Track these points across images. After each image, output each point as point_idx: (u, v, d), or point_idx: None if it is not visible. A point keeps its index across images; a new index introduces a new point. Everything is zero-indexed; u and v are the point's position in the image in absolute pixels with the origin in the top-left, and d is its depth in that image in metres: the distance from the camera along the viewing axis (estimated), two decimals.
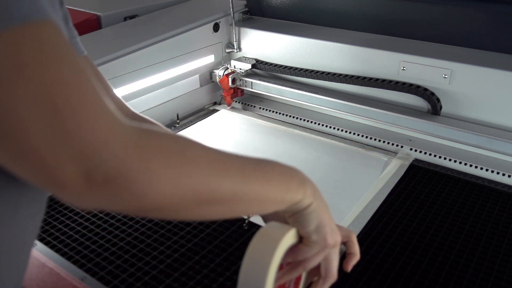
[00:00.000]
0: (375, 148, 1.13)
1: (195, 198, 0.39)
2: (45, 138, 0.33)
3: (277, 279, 0.55)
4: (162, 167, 0.37)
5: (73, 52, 0.35)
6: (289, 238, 0.52)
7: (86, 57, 0.61)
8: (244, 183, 0.43)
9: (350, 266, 0.70)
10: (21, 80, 0.32)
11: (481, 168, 1.02)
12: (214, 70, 1.35)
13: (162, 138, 0.38)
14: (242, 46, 1.38)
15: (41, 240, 0.80)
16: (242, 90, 1.38)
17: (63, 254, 0.77)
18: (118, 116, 0.36)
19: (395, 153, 1.10)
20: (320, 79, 1.22)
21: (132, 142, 0.36)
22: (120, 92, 1.07)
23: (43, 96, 0.32)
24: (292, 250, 0.54)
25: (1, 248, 0.43)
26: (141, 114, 0.71)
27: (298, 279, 0.59)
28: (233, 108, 1.36)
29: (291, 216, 0.52)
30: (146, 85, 1.18)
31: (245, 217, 0.77)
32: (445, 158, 1.06)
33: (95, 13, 1.35)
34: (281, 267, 0.59)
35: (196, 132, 1.22)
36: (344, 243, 0.72)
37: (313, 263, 0.55)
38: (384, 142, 1.14)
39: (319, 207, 0.53)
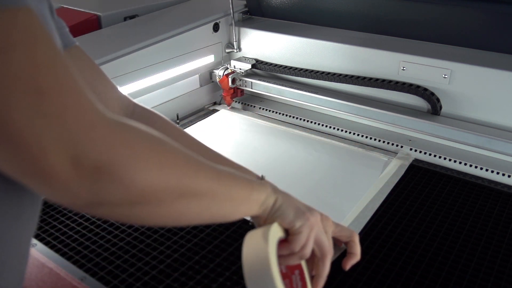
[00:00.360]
0: (375, 148, 1.13)
1: (177, 189, 0.40)
2: (29, 123, 0.32)
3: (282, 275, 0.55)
4: (147, 154, 0.37)
5: (54, 41, 0.35)
6: (275, 232, 0.53)
7: (77, 47, 0.61)
8: (217, 179, 0.45)
9: (349, 265, 0.70)
10: (4, 62, 0.32)
11: (481, 168, 1.02)
12: (214, 70, 1.35)
13: (142, 130, 0.39)
14: (242, 46, 1.38)
15: (41, 240, 0.80)
16: (242, 90, 1.38)
17: (63, 254, 0.77)
18: (100, 106, 0.36)
19: (395, 153, 1.10)
20: (320, 79, 1.22)
21: (117, 129, 0.36)
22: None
23: (26, 79, 0.32)
24: (285, 244, 0.54)
25: (7, 240, 0.43)
26: (143, 105, 0.71)
27: (301, 274, 0.59)
28: (233, 108, 1.36)
29: (266, 220, 0.54)
30: (146, 85, 1.18)
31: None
32: (445, 158, 1.06)
33: (95, 13, 1.35)
34: (284, 275, 0.59)
35: (196, 132, 1.22)
36: (346, 243, 0.72)
37: (309, 248, 0.55)
38: (384, 142, 1.14)
39: (285, 198, 0.55)
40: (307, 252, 0.55)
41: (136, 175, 0.36)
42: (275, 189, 0.54)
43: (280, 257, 0.54)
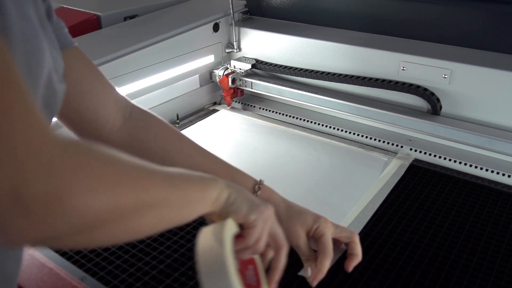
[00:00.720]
0: (375, 148, 1.13)
1: (133, 205, 0.39)
2: None
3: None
4: (98, 176, 0.36)
5: (10, 56, 0.33)
6: (229, 228, 0.52)
7: (76, 47, 0.61)
8: (172, 185, 0.44)
9: (351, 266, 0.70)
10: None
11: (481, 168, 1.02)
12: (214, 70, 1.35)
13: (91, 150, 0.37)
14: (242, 46, 1.38)
15: None
16: (242, 90, 1.38)
17: (63, 254, 0.77)
18: (49, 128, 0.34)
19: (395, 153, 1.10)
20: (320, 79, 1.22)
21: (65, 152, 0.34)
22: (120, 92, 1.08)
23: None
24: (239, 239, 0.54)
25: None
26: (141, 107, 0.71)
27: (255, 269, 0.58)
28: (233, 108, 1.36)
29: (220, 215, 0.53)
30: (146, 85, 1.18)
31: None
32: (445, 158, 1.06)
33: (95, 13, 1.35)
34: (238, 271, 0.57)
35: (196, 132, 1.22)
36: (346, 244, 0.72)
37: (263, 242, 0.55)
38: (384, 142, 1.14)
39: (239, 192, 0.54)
40: (261, 246, 0.55)
41: (88, 199, 0.34)
42: (228, 184, 0.53)
43: (233, 251, 0.53)
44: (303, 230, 0.70)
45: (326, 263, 0.68)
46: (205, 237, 0.51)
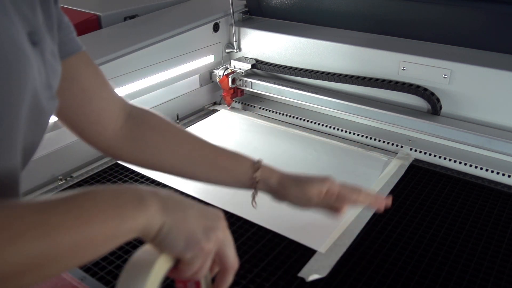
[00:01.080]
0: (375, 148, 1.13)
1: (21, 266, 0.34)
2: None
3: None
4: None
5: None
6: (160, 266, 0.46)
7: (84, 53, 0.61)
8: (52, 238, 0.36)
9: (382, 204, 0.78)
10: None
11: (481, 168, 1.02)
12: (214, 70, 1.35)
13: None
14: (242, 46, 1.38)
15: None
16: (242, 90, 1.38)
17: None
18: None
19: (395, 153, 1.10)
20: (320, 79, 1.22)
21: None
22: (120, 92, 1.08)
23: None
24: (174, 271, 0.49)
25: None
26: (140, 106, 0.72)
27: (197, 284, 0.53)
28: (233, 108, 1.36)
29: (152, 241, 0.45)
30: (146, 85, 1.18)
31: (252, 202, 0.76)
32: (445, 158, 1.06)
33: (95, 13, 1.35)
34: (179, 280, 0.54)
35: (196, 132, 1.21)
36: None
37: (202, 274, 0.49)
38: (384, 142, 1.14)
39: (176, 222, 0.45)
40: (200, 276, 0.49)
41: None
42: (163, 207, 0.44)
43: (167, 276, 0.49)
44: (314, 192, 0.74)
45: (362, 196, 0.76)
46: (136, 259, 0.47)
